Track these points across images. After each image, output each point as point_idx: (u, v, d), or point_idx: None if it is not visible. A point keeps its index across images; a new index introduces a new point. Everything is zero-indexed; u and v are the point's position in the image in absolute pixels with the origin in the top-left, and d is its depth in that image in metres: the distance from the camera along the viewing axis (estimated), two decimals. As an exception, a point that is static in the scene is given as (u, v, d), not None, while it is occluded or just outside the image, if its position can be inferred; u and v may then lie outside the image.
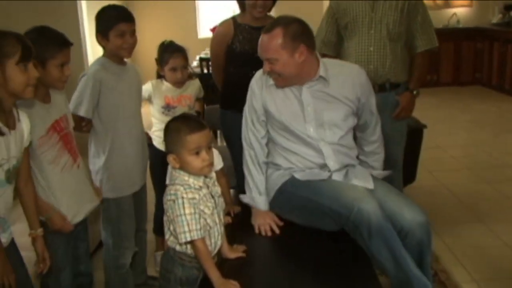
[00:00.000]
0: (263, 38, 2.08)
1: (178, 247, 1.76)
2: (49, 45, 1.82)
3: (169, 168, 2.00)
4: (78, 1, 4.78)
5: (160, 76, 2.70)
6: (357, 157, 2.31)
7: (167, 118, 2.39)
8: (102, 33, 2.17)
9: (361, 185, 2.05)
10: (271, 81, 2.16)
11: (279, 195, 2.19)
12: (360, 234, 1.89)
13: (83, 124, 2.19)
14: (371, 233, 1.85)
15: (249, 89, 2.25)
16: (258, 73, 2.23)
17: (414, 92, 2.80)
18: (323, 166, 2.15)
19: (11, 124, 1.64)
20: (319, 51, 2.80)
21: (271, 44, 2.04)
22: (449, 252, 2.94)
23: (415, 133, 3.18)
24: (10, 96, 1.59)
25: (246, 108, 2.26)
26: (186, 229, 1.67)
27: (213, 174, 1.85)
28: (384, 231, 1.84)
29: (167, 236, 1.79)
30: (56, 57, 1.83)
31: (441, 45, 2.81)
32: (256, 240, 2.11)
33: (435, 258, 2.81)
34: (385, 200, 2.00)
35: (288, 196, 2.15)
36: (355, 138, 2.33)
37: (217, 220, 1.80)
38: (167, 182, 2.01)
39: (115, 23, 2.13)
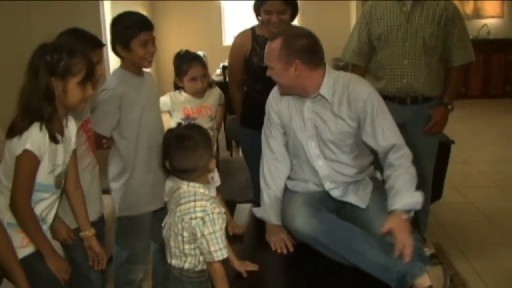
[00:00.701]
0: (268, 44, 2.08)
1: (187, 265, 1.67)
2: (82, 46, 1.82)
3: (168, 184, 1.88)
4: (100, 2, 4.81)
5: (177, 87, 2.60)
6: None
7: None
8: (123, 44, 2.07)
9: (355, 203, 2.05)
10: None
11: None
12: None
13: (103, 141, 2.12)
14: (314, 245, 1.94)
15: (267, 102, 2.22)
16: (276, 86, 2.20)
17: (449, 107, 2.70)
18: (320, 185, 2.14)
19: (61, 131, 1.70)
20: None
21: (270, 52, 2.05)
22: (477, 276, 2.80)
23: (443, 149, 3.05)
24: (63, 107, 1.67)
25: (267, 119, 2.23)
26: (221, 246, 1.59)
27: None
28: (320, 241, 1.91)
29: (169, 258, 1.70)
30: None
31: (470, 56, 2.72)
32: (268, 258, 2.05)
33: (462, 283, 2.68)
34: (373, 221, 1.96)
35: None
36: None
37: None
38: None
39: (137, 32, 2.05)
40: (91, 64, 1.66)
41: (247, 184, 2.91)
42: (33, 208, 1.64)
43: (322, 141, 2.10)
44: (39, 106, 1.57)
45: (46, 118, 1.59)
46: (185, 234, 1.61)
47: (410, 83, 2.58)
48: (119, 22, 2.11)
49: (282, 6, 2.47)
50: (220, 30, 8.17)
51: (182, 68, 2.49)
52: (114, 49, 2.11)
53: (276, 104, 2.18)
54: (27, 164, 1.58)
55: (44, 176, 1.64)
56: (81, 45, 1.76)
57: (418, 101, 2.64)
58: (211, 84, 2.71)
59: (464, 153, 4.86)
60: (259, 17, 2.60)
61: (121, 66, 2.16)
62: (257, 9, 2.57)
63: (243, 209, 2.42)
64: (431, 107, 2.67)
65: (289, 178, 2.24)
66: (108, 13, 5.60)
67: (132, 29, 2.06)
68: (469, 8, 7.82)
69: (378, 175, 2.28)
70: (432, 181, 2.86)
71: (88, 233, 1.89)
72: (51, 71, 1.58)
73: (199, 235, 1.58)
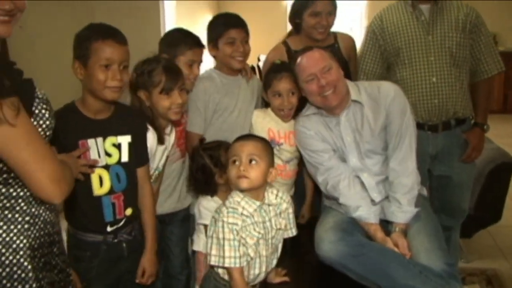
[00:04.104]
0: (306, 56, 2.00)
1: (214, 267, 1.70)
2: (180, 44, 2.00)
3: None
4: (160, 2, 4.94)
5: (266, 103, 2.25)
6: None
7: None
8: (212, 42, 2.10)
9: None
10: (309, 111, 2.09)
11: None
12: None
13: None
14: (341, 270, 1.83)
15: (299, 133, 2.10)
16: (299, 118, 2.13)
17: (485, 127, 2.41)
18: (371, 199, 2.03)
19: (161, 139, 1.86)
20: None
21: (322, 55, 2.00)
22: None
23: (503, 168, 2.83)
24: (159, 116, 1.84)
25: (304, 155, 2.12)
26: (219, 253, 1.61)
27: (284, 206, 1.76)
28: (347, 265, 1.81)
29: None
30: (186, 54, 1.99)
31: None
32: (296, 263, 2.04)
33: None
34: (410, 241, 1.90)
35: None
36: None
37: (263, 253, 1.68)
38: None
39: (224, 30, 2.05)
40: (169, 75, 1.79)
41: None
42: None
43: (362, 153, 2.03)
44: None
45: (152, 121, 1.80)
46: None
47: (442, 103, 2.27)
48: (211, 21, 2.15)
49: (331, 5, 2.29)
50: (285, 32, 8.13)
51: (267, 79, 2.18)
52: (208, 49, 2.13)
53: (310, 129, 2.07)
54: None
55: None
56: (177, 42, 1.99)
57: (450, 126, 2.34)
58: None
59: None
60: (298, 24, 2.37)
61: (215, 66, 2.18)
62: (299, 16, 2.34)
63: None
64: (464, 130, 2.39)
65: (326, 196, 2.13)
66: (173, 13, 5.71)
67: (219, 27, 2.08)
68: None
69: (424, 191, 2.17)
70: (490, 202, 2.64)
71: None
72: (137, 85, 1.80)
73: (209, 233, 1.64)
